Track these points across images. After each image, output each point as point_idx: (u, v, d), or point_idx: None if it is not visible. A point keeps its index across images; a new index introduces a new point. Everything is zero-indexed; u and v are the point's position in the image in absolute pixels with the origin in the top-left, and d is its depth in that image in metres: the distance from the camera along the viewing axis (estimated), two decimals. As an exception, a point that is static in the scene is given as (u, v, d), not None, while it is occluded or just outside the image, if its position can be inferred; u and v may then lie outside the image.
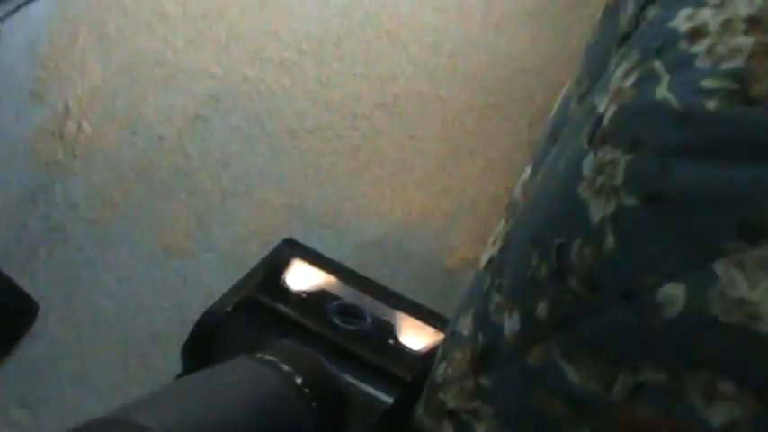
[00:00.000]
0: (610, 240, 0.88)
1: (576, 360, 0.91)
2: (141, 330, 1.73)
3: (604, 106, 0.96)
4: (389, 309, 1.53)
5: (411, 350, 1.48)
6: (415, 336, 1.50)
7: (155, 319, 1.74)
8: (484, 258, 1.32)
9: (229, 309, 1.46)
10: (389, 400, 1.37)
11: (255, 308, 1.48)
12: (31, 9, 2.07)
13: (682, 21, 0.92)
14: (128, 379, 1.70)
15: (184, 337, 1.66)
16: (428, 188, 1.79)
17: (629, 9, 1.05)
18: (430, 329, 1.50)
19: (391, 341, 1.49)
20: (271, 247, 1.70)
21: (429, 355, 1.42)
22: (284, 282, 1.53)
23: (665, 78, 0.89)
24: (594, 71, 1.11)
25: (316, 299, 1.51)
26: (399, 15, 1.99)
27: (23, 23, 2.07)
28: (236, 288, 1.57)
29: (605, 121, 0.94)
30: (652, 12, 0.98)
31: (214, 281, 1.75)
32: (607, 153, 0.92)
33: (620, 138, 0.91)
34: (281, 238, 1.66)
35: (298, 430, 1.23)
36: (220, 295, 1.56)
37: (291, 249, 1.62)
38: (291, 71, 1.93)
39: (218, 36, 1.99)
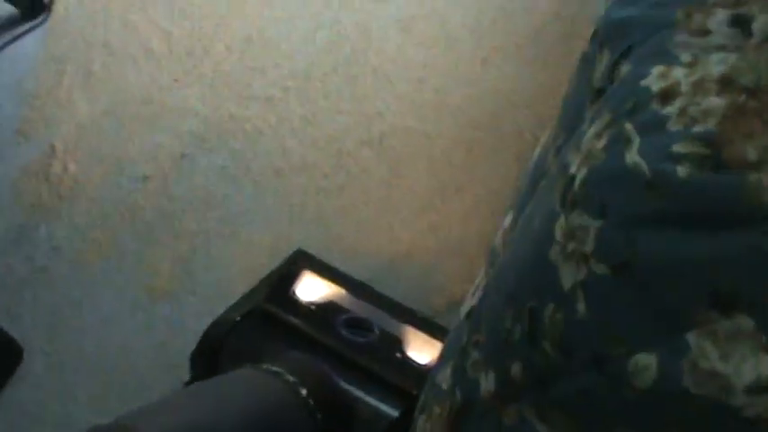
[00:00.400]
0: (581, 307, 0.86)
1: (550, 421, 0.90)
2: (125, 373, 1.71)
3: (576, 167, 0.94)
4: (397, 322, 1.54)
5: (418, 364, 1.49)
6: (423, 349, 1.52)
7: (138, 361, 1.72)
8: (464, 309, 1.30)
9: (238, 318, 1.46)
10: (395, 413, 1.38)
11: (264, 318, 1.48)
12: (18, 47, 2.06)
13: (654, 79, 0.91)
14: (112, 425, 1.68)
15: (168, 380, 1.65)
16: (415, 227, 1.78)
17: (604, 62, 1.03)
18: (437, 343, 1.50)
19: (398, 354, 1.49)
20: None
21: None
22: (293, 293, 1.54)
23: (636, 141, 0.87)
24: (569, 125, 1.09)
25: (324, 311, 1.52)
26: (385, 51, 1.98)
27: (10, 61, 2.06)
28: (244, 298, 1.58)
29: (576, 184, 0.92)
30: (625, 67, 0.96)
31: (198, 324, 1.73)
32: (577, 218, 0.90)
33: (590, 203, 0.89)
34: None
35: None
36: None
37: (302, 261, 1.63)
38: (277, 108, 1.92)
39: (204, 73, 1.97)
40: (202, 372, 1.46)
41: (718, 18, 0.92)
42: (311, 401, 1.28)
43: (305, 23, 2.03)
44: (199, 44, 2.02)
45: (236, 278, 1.77)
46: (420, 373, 1.44)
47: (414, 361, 1.50)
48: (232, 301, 1.68)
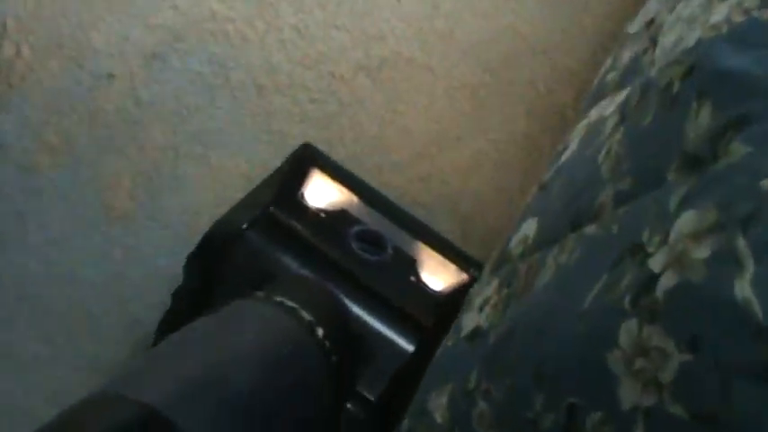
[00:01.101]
0: (638, 433, 0.71)
1: None
2: (72, 303, 1.55)
3: (661, 266, 0.77)
4: (411, 239, 1.45)
5: (432, 291, 1.42)
6: (437, 274, 1.44)
7: (88, 292, 1.56)
8: (466, 324, 1.15)
9: (244, 226, 1.34)
10: (409, 348, 1.31)
11: (270, 227, 1.37)
12: None
13: (779, 182, 0.73)
14: (52, 356, 1.53)
15: (118, 317, 1.49)
16: (406, 174, 1.61)
17: (705, 119, 0.84)
18: (453, 268, 1.44)
19: (412, 278, 1.42)
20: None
21: (449, 299, 1.35)
22: (302, 196, 1.43)
23: (750, 268, 0.70)
24: (643, 174, 0.91)
25: (335, 220, 1.42)
26: (395, -41, 1.74)
27: None
28: (250, 197, 1.47)
29: (660, 292, 0.75)
30: (740, 147, 0.78)
31: (157, 255, 1.57)
32: (657, 337, 0.75)
33: (678, 327, 0.73)
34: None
35: (318, 387, 1.14)
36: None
37: (310, 158, 1.50)
38: (266, 13, 1.69)
39: (187, -43, 1.72)
40: (198, 280, 1.36)
41: None
42: (327, 343, 1.17)
43: None
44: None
45: (203, 207, 1.60)
46: (434, 301, 1.38)
47: (427, 287, 1.41)
48: (196, 234, 1.51)
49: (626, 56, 1.31)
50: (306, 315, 1.17)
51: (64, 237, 1.57)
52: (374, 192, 1.51)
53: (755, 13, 0.89)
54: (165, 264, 1.55)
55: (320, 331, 1.17)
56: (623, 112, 1.07)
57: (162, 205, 1.59)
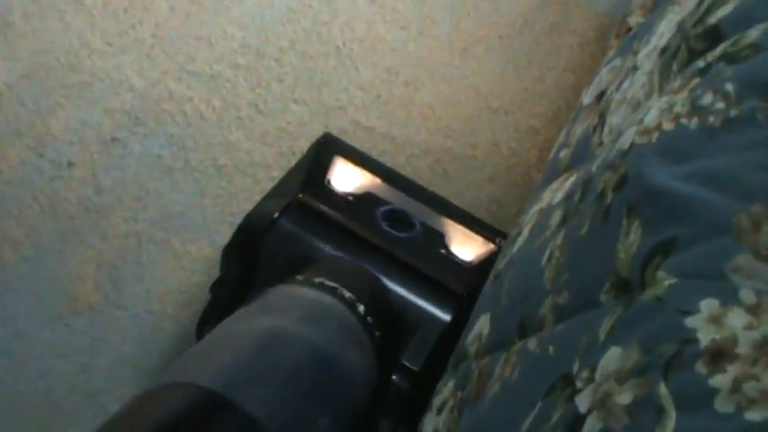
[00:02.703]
0: None
1: None
2: (42, 397, 1.53)
3: (586, 407, 0.75)
4: (438, 216, 1.49)
5: (462, 261, 1.45)
6: (466, 246, 1.47)
7: (55, 385, 1.53)
8: (427, 428, 1.14)
9: (276, 215, 1.37)
10: (447, 317, 1.33)
11: (302, 213, 1.40)
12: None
13: (703, 323, 0.71)
14: (22, 454, 1.51)
15: (88, 409, 1.48)
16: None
17: (634, 241, 0.82)
18: (480, 239, 1.48)
19: (442, 251, 1.45)
20: (189, 310, 1.55)
21: (480, 268, 1.38)
22: (328, 182, 1.47)
23: (672, 418, 0.68)
24: (578, 292, 0.89)
25: (363, 203, 1.46)
26: (352, 27, 1.73)
27: None
28: (277, 188, 1.50)
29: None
30: (666, 277, 0.76)
31: (124, 344, 1.55)
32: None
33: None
34: (206, 293, 1.48)
35: (365, 362, 1.17)
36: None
37: (331, 146, 1.54)
38: (223, 90, 1.67)
39: (142, 37, 1.71)
40: (234, 272, 1.38)
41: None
42: (369, 319, 1.20)
43: (261, -16, 1.76)
44: (138, 0, 1.74)
45: (168, 293, 1.58)
46: (465, 271, 1.41)
47: (458, 257, 1.45)
48: (162, 320, 1.52)
49: (578, 130, 1.29)
50: (346, 293, 1.20)
51: (31, 330, 1.56)
52: (396, 173, 1.55)
53: (684, 121, 0.87)
54: (132, 352, 1.54)
55: (361, 308, 1.20)
56: (567, 209, 1.06)
57: (127, 293, 1.57)
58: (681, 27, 1.07)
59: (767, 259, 0.73)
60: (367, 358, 1.18)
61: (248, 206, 1.59)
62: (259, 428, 0.89)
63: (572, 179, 1.15)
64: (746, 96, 0.85)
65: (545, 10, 1.76)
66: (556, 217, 1.09)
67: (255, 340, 1.04)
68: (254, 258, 1.35)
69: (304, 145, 1.63)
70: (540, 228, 1.12)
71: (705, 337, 0.71)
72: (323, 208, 1.40)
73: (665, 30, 1.14)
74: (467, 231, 1.49)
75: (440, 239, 1.46)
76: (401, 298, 1.34)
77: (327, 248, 1.36)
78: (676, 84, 0.95)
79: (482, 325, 1.15)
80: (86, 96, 1.68)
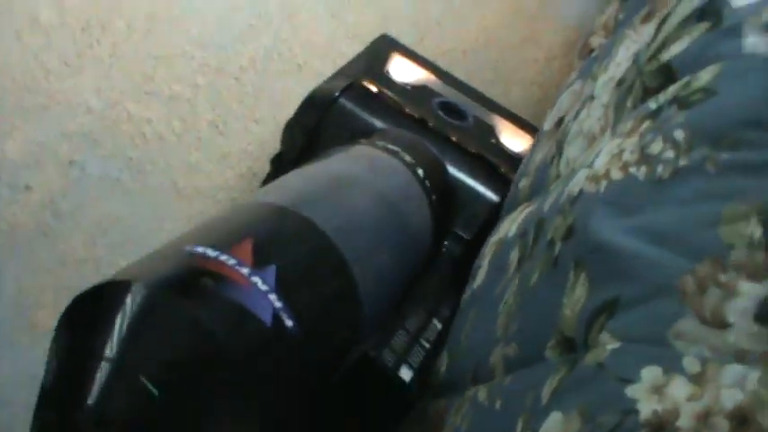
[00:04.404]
0: None
1: None
2: (2, 428, 1.50)
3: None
4: (488, 111, 1.57)
5: (512, 151, 1.53)
6: (515, 139, 1.56)
7: (17, 414, 1.50)
8: None
9: (337, 94, 1.43)
10: (496, 198, 1.40)
11: (362, 94, 1.47)
12: None
13: (644, 393, 0.69)
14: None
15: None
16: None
17: (579, 299, 0.80)
18: (526, 135, 1.56)
19: (493, 140, 1.53)
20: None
21: None
22: (387, 72, 1.55)
23: (614, 495, 0.66)
24: (526, 344, 0.87)
25: (419, 93, 1.54)
26: (314, 43, 1.70)
27: None
28: (338, 75, 1.54)
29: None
30: (608, 340, 0.74)
31: (85, 374, 1.51)
32: None
33: None
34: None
35: (424, 219, 1.24)
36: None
37: (390, 45, 1.62)
38: (182, 110, 1.64)
39: (100, 57, 1.68)
40: (297, 145, 1.44)
41: (741, 305, 0.70)
42: (427, 183, 1.27)
43: (221, 2, 1.73)
44: (95, 18, 1.71)
45: (129, 320, 1.53)
46: (514, 158, 1.48)
47: (507, 147, 1.53)
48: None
49: (537, 158, 1.27)
50: (407, 156, 1.27)
51: (-11, 359, 1.52)
52: (449, 74, 1.61)
53: (633, 170, 0.85)
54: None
55: (420, 171, 1.27)
56: (522, 250, 1.04)
57: (87, 321, 1.53)
58: (636, 59, 1.04)
59: (712, 324, 0.71)
60: (425, 216, 1.25)
61: (209, 230, 1.56)
62: (323, 235, 0.94)
63: (528, 210, 1.13)
64: (696, 145, 0.82)
65: (511, 24, 1.73)
66: (513, 257, 1.07)
67: (328, 178, 1.11)
68: (315, 134, 1.42)
69: (265, 166, 1.60)
70: (499, 265, 1.10)
71: (646, 408, 0.69)
72: (382, 91, 1.48)
73: (622, 59, 1.12)
74: (514, 128, 1.57)
75: (490, 131, 1.55)
76: (455, 175, 1.41)
77: (386, 125, 1.43)
78: (628, 125, 0.93)
79: (441, 362, 1.13)
80: (44, 119, 1.65)
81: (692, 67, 0.91)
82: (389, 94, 1.48)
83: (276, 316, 0.81)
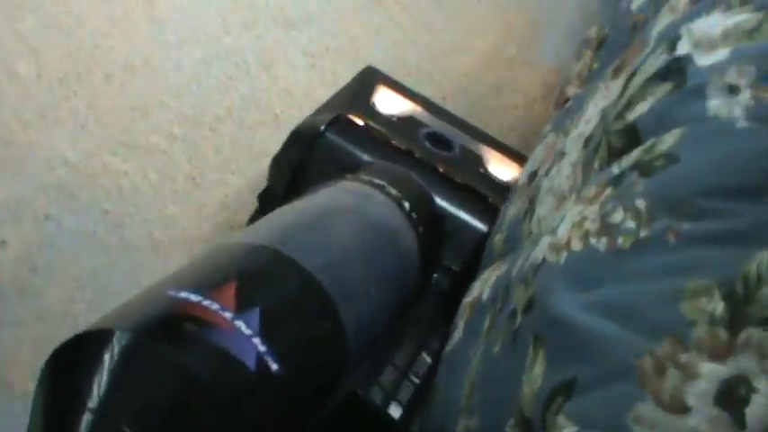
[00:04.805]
0: None
1: None
2: (-23, 489, 1.48)
3: None
4: (475, 141, 1.57)
5: (500, 180, 1.52)
6: (502, 168, 1.55)
7: (-7, 475, 1.48)
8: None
9: (322, 128, 1.42)
10: (484, 227, 1.39)
11: (348, 127, 1.45)
12: None
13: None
14: None
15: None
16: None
17: (538, 376, 0.78)
18: (513, 163, 1.56)
19: (481, 170, 1.53)
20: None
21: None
22: (373, 104, 1.54)
23: None
24: (486, 419, 0.85)
25: (405, 124, 1.53)
26: (291, 93, 1.69)
27: None
28: (323, 108, 1.54)
29: None
30: (563, 422, 0.72)
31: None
32: None
33: None
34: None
35: (410, 253, 1.22)
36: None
37: (374, 77, 1.62)
38: (159, 162, 1.63)
39: (77, 109, 1.67)
40: (284, 180, 1.43)
41: (701, 388, 0.68)
42: (414, 215, 1.25)
43: (199, 51, 1.72)
44: (73, 70, 1.70)
45: (106, 376, 1.51)
46: (502, 188, 1.47)
47: (495, 177, 1.52)
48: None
49: (511, 212, 1.25)
50: (393, 190, 1.25)
51: (-38, 422, 1.50)
52: (435, 103, 1.62)
53: (593, 241, 0.83)
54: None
55: (407, 204, 1.25)
56: (493, 317, 1.01)
57: (63, 378, 1.51)
58: (604, 117, 1.03)
59: (671, 408, 0.69)
60: (412, 249, 1.23)
61: (186, 284, 1.54)
62: (307, 275, 0.92)
63: (499, 274, 1.11)
64: (657, 215, 0.80)
65: (490, 68, 1.72)
66: (485, 323, 1.04)
67: (312, 215, 1.10)
68: (301, 169, 1.41)
69: (242, 218, 1.59)
70: (472, 329, 1.08)
71: None
72: (368, 123, 1.46)
73: (591, 115, 1.11)
74: (501, 156, 1.56)
75: (478, 160, 1.54)
76: (442, 206, 1.40)
77: (372, 158, 1.42)
78: (591, 190, 0.91)
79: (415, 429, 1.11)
80: (21, 172, 1.63)
81: (655, 129, 0.90)
82: (375, 126, 1.48)
83: (260, 360, 0.80)
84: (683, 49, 0.93)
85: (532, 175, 1.26)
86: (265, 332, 0.82)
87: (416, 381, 1.13)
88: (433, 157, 1.47)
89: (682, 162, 0.83)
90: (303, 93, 1.71)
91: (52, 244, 1.61)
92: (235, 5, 1.76)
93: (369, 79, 1.61)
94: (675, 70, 0.92)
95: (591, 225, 0.86)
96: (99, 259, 1.60)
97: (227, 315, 0.81)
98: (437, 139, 1.53)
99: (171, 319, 0.81)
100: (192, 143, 1.67)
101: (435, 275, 1.36)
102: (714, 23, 0.92)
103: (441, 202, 1.42)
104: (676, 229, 0.79)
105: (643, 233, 0.80)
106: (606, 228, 0.84)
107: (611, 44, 1.28)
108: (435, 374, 1.17)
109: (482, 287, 1.16)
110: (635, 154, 0.89)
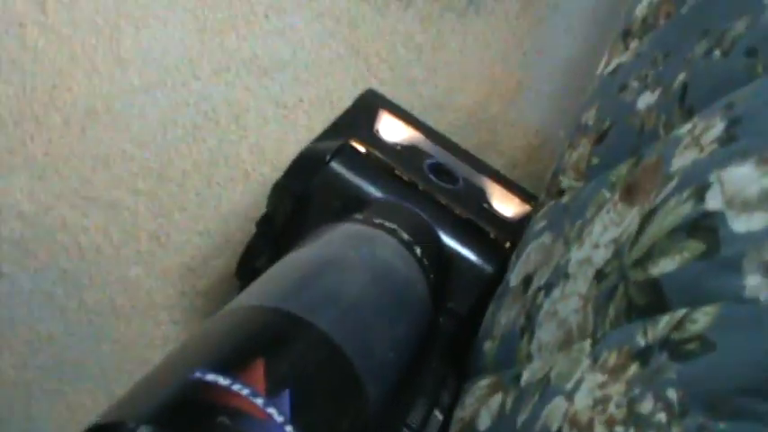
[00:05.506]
0: None
1: None
2: None
3: None
4: (479, 174, 1.53)
5: (504, 216, 1.49)
6: (506, 203, 1.52)
7: None
8: None
9: (329, 156, 1.38)
10: (491, 268, 1.37)
11: (354, 155, 1.42)
12: None
13: None
14: None
15: None
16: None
17: None
18: (517, 199, 1.52)
19: (485, 205, 1.49)
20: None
21: (521, 225, 1.41)
22: (377, 132, 1.50)
23: None
24: None
25: (410, 154, 1.50)
26: (262, 147, 1.61)
27: None
28: (327, 133, 1.50)
29: None
30: None
31: None
32: None
33: None
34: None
35: (424, 301, 1.20)
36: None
37: (376, 101, 1.58)
38: (122, 219, 1.54)
39: (34, 155, 1.57)
40: (285, 208, 1.39)
41: None
42: (425, 261, 1.23)
43: (165, 97, 1.62)
44: (29, 111, 1.59)
45: (60, 452, 1.44)
46: (507, 225, 1.46)
47: (499, 213, 1.49)
48: None
49: (503, 320, 1.19)
50: (405, 235, 1.23)
51: None
52: (437, 132, 1.57)
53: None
54: None
55: (418, 250, 1.22)
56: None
57: (15, 452, 1.43)
58: (619, 254, 0.96)
59: None
60: (426, 299, 1.20)
61: (149, 354, 1.47)
62: (334, 347, 0.88)
63: (498, 404, 1.04)
64: (691, 410, 0.75)
65: (471, 130, 1.66)
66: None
67: (322, 267, 1.06)
68: (304, 197, 1.37)
69: (207, 284, 1.51)
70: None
71: None
72: (374, 153, 1.43)
73: (599, 240, 1.04)
74: (505, 191, 1.53)
75: (481, 195, 1.50)
76: (447, 243, 1.37)
77: (378, 192, 1.38)
78: (612, 357, 0.85)
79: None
80: (-29, 225, 1.53)
81: (684, 297, 0.84)
82: (380, 156, 1.44)
83: None
84: (714, 203, 0.86)
85: (527, 281, 1.20)
86: (296, 417, 0.77)
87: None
88: (437, 190, 1.44)
89: (719, 351, 0.77)
90: (275, 148, 1.63)
91: (6, 305, 1.52)
92: (204, 48, 1.66)
93: (371, 103, 1.57)
94: (705, 229, 0.85)
95: (616, 411, 0.80)
96: (56, 323, 1.51)
97: (259, 402, 0.76)
98: (441, 171, 1.49)
99: (200, 408, 0.75)
100: (157, 199, 1.58)
101: (442, 320, 1.31)
102: (749, 179, 0.86)
103: (445, 238, 1.38)
104: (711, 429, 0.73)
105: (675, 430, 0.74)
106: (634, 418, 0.78)
107: (614, 142, 1.22)
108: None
109: (476, 407, 1.10)
110: (663, 326, 0.83)
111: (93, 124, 1.61)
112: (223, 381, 0.76)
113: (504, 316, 1.20)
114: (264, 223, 1.45)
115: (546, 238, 1.23)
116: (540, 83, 1.76)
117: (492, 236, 1.42)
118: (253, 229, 1.48)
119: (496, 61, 1.74)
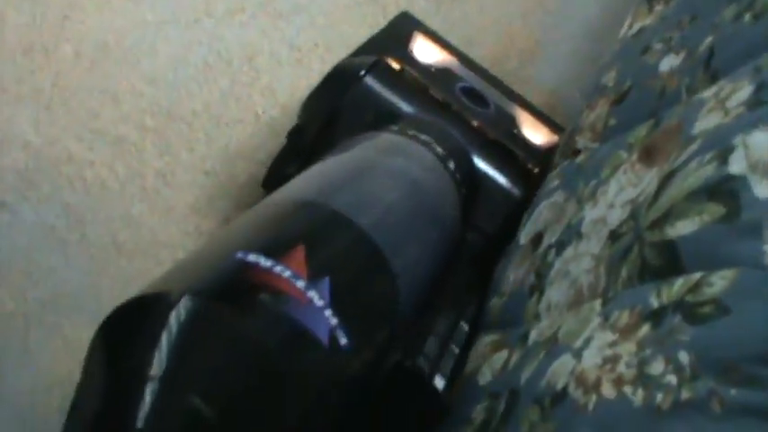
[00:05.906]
0: None
1: None
2: None
3: None
4: (509, 101, 1.54)
5: (533, 143, 1.50)
6: (535, 131, 1.53)
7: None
8: None
9: (363, 72, 1.40)
10: (519, 193, 1.39)
11: (388, 72, 1.44)
12: None
13: None
14: None
15: None
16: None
17: None
18: (545, 128, 1.53)
19: (515, 131, 1.50)
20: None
21: (549, 153, 1.43)
22: (411, 52, 1.51)
23: None
24: None
25: (442, 75, 1.51)
26: (275, 92, 1.58)
27: None
28: (360, 51, 1.52)
29: None
30: None
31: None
32: None
33: None
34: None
35: (455, 212, 1.23)
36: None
37: (411, 23, 1.59)
38: (128, 155, 1.52)
39: (41, 86, 1.54)
40: (318, 120, 1.40)
41: None
42: (458, 176, 1.25)
43: (177, 34, 1.60)
44: (39, 41, 1.57)
45: (55, 383, 1.43)
46: (536, 151, 1.47)
47: (528, 139, 1.50)
48: (46, 415, 1.40)
49: (511, 277, 1.17)
50: (438, 148, 1.24)
51: None
52: (470, 58, 1.58)
53: (628, 391, 0.78)
54: (11, 452, 1.39)
55: (452, 164, 1.25)
56: (490, 413, 0.94)
57: (9, 382, 1.42)
58: (635, 215, 0.94)
59: None
60: (457, 211, 1.23)
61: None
62: (371, 243, 0.91)
63: (502, 360, 1.03)
64: (702, 373, 0.73)
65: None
66: (478, 413, 0.97)
67: (362, 170, 1.09)
68: (336, 110, 1.38)
69: (211, 224, 1.49)
70: (463, 417, 1.01)
71: None
72: (406, 71, 1.44)
73: (614, 200, 1.03)
74: (534, 120, 1.53)
75: (512, 121, 1.51)
76: (477, 164, 1.39)
77: (411, 109, 1.40)
78: (624, 317, 0.84)
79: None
80: (-25, 152, 1.51)
81: (701, 261, 0.82)
82: (414, 74, 1.45)
83: (332, 334, 0.78)
84: (737, 166, 0.84)
85: (537, 238, 1.19)
86: (335, 304, 0.79)
87: (456, 351, 1.11)
88: (468, 112, 1.45)
89: (734, 316, 0.76)
90: (287, 91, 1.60)
91: (6, 235, 1.50)
92: (218, -14, 1.63)
93: (405, 25, 1.58)
94: (727, 193, 0.84)
95: (626, 371, 0.78)
96: (56, 256, 1.49)
97: (300, 284, 0.78)
98: (473, 95, 1.49)
99: (243, 287, 0.77)
100: (165, 137, 1.56)
101: (469, 236, 1.33)
102: (775, 143, 0.84)
103: (476, 159, 1.40)
104: (722, 394, 0.72)
105: (685, 393, 0.73)
106: (643, 378, 0.77)
107: (633, 103, 1.20)
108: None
109: (478, 363, 1.09)
110: (677, 288, 0.81)
111: (104, 58, 1.59)
112: (265, 262, 0.77)
113: (512, 272, 1.18)
114: (295, 134, 1.46)
115: (558, 197, 1.21)
116: (559, 43, 1.73)
117: (521, 160, 1.43)
118: (262, 171, 1.46)
119: (516, 18, 1.72)
